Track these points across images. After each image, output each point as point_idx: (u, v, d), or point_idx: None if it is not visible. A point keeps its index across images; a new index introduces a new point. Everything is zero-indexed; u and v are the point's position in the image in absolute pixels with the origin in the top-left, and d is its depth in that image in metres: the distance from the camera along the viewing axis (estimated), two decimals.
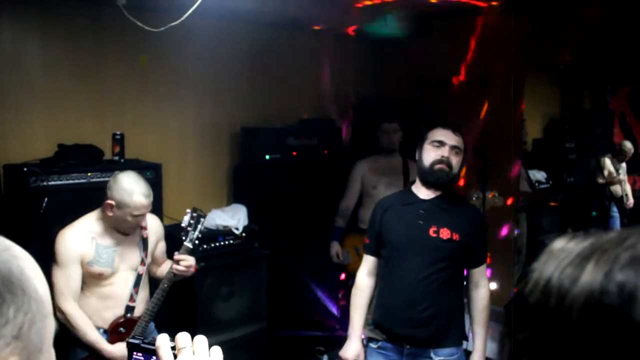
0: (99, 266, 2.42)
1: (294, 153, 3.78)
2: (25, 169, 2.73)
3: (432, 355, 2.36)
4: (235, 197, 3.87)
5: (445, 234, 2.33)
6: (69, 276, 2.37)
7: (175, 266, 2.47)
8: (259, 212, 3.56)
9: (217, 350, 0.92)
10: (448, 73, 4.21)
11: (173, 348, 0.91)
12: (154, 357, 0.93)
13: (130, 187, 2.35)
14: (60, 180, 2.81)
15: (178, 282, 3.12)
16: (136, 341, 0.97)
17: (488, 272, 3.99)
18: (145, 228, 2.57)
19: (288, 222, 3.70)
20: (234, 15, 3.56)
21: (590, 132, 5.49)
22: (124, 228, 2.45)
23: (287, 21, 3.82)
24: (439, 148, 2.37)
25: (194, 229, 2.53)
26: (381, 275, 2.49)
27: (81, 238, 2.39)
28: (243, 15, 3.50)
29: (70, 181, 2.84)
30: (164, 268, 2.65)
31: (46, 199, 2.73)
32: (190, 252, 2.51)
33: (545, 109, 6.10)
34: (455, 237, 2.33)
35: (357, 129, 4.34)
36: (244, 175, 3.79)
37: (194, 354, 0.90)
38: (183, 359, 0.89)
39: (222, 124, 3.86)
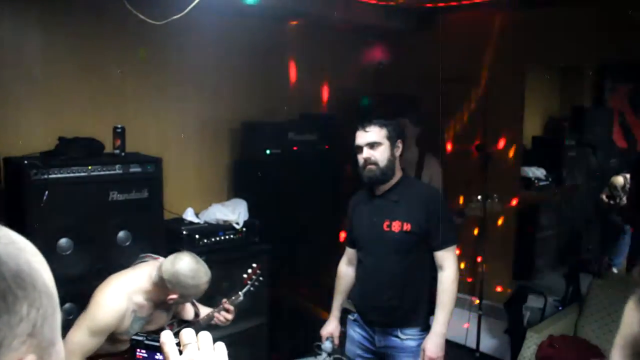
0: (128, 335, 2.26)
1: (295, 148, 3.78)
2: (25, 162, 2.70)
3: (399, 333, 2.54)
4: (236, 191, 3.87)
5: (396, 226, 2.45)
6: (91, 345, 2.23)
7: (217, 315, 2.49)
8: (259, 206, 3.56)
9: (221, 346, 0.92)
10: (449, 68, 4.20)
11: (178, 344, 0.90)
12: (158, 354, 0.93)
13: (190, 272, 2.24)
14: (61, 174, 2.78)
15: None
16: (140, 338, 0.96)
17: (485, 267, 4.03)
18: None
19: (289, 217, 3.69)
20: (236, 9, 3.54)
21: (590, 130, 5.49)
22: (161, 299, 2.31)
23: (289, 15, 3.81)
24: (359, 152, 2.50)
25: (252, 286, 2.62)
26: (358, 266, 2.71)
27: (124, 312, 2.24)
28: (244, 9, 3.48)
29: (71, 174, 2.82)
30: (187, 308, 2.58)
31: (47, 193, 2.69)
32: (237, 303, 2.55)
33: (545, 107, 6.10)
34: (407, 227, 2.43)
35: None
36: (245, 170, 3.79)
37: (199, 349, 0.89)
38: (188, 355, 0.88)
39: (222, 119, 3.86)
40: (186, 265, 2.24)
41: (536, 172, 5.45)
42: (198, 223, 3.41)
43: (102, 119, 3.22)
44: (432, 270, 2.53)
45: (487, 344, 3.98)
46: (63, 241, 2.81)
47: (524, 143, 4.87)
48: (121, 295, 2.25)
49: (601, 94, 6.13)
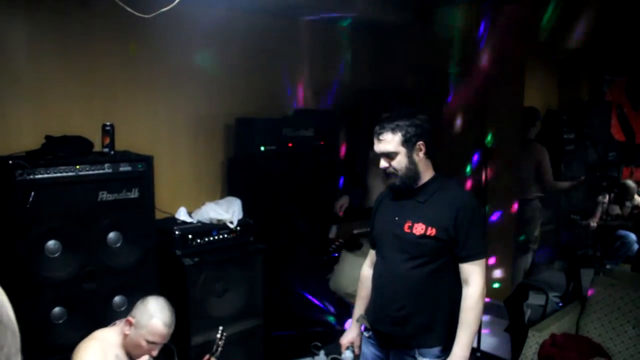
0: None
1: (290, 144, 3.71)
2: (10, 162, 2.62)
3: (416, 355, 2.30)
4: (230, 189, 3.81)
5: (418, 229, 2.24)
6: None
7: None
8: (254, 205, 3.49)
9: None
10: (447, 63, 4.13)
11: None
12: None
13: (153, 310, 2.33)
14: (48, 173, 2.70)
15: (170, 282, 3.16)
16: None
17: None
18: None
19: (284, 215, 3.62)
20: (228, 2, 3.46)
21: (588, 124, 5.44)
22: (134, 351, 2.35)
23: (284, 9, 3.72)
24: (377, 160, 2.35)
25: (221, 345, 2.65)
26: (373, 271, 2.51)
27: (104, 357, 2.27)
28: (237, 2, 3.40)
29: (58, 174, 2.73)
30: None
31: (33, 193, 2.62)
32: None
33: (543, 100, 6.05)
34: (431, 232, 2.22)
35: (354, 120, 4.26)
36: (239, 168, 3.72)
37: None
38: None
39: (216, 115, 3.79)
40: (154, 298, 2.37)
41: None
42: (191, 223, 3.34)
43: (91, 117, 3.15)
44: (457, 284, 2.28)
45: (488, 342, 3.92)
46: (51, 243, 2.74)
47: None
48: (93, 345, 2.29)
49: (599, 87, 6.09)
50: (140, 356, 2.33)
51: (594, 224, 5.66)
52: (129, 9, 2.66)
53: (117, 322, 2.43)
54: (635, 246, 5.48)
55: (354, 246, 3.77)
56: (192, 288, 3.11)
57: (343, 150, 4.13)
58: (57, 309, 2.73)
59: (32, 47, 3.04)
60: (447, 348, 2.27)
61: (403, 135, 2.24)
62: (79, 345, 2.29)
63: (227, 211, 3.37)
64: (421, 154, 2.28)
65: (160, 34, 3.36)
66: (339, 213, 3.90)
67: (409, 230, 2.26)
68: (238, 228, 3.37)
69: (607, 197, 5.39)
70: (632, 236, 5.55)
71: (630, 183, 5.91)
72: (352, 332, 2.59)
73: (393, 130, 2.25)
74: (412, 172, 2.28)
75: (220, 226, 3.33)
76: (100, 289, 2.86)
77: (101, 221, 2.88)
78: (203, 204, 3.46)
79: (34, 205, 2.62)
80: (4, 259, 2.66)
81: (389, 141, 2.25)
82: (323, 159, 3.87)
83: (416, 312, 2.28)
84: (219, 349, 2.63)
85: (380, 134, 2.27)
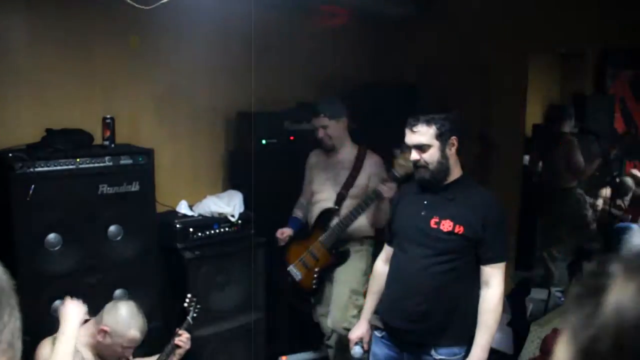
0: None
1: (291, 138, 3.70)
2: (10, 155, 2.62)
3: (432, 352, 2.27)
4: (231, 183, 3.79)
5: (446, 225, 2.21)
6: None
7: (178, 339, 2.56)
8: (255, 198, 3.46)
9: None
10: (448, 56, 4.10)
11: None
12: None
13: (129, 320, 2.34)
14: (48, 167, 2.69)
15: (171, 275, 3.17)
16: None
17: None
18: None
19: (285, 209, 3.60)
20: None
21: (591, 117, 5.40)
22: (109, 356, 2.39)
23: (287, 1, 3.69)
24: (410, 151, 2.30)
25: (193, 311, 2.70)
26: (389, 265, 2.46)
27: None
28: None
29: (58, 167, 2.73)
30: None
31: (33, 187, 2.61)
32: (189, 328, 2.65)
33: (545, 94, 6.01)
34: (459, 229, 2.19)
35: (355, 114, 4.18)
36: (240, 161, 3.68)
37: None
38: None
39: (217, 108, 3.76)
40: (124, 305, 2.38)
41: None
42: (192, 216, 3.31)
43: (91, 110, 3.12)
44: (475, 286, 2.26)
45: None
46: (51, 237, 2.73)
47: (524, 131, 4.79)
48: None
49: (602, 80, 6.04)
50: (114, 357, 2.39)
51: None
52: (129, 0, 2.63)
53: (89, 320, 2.41)
54: (637, 238, 5.46)
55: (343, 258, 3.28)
56: (193, 281, 3.10)
57: None
58: (57, 302, 2.70)
59: (32, 39, 3.01)
60: (464, 348, 2.25)
61: (438, 129, 2.21)
62: (40, 342, 2.29)
63: (229, 204, 3.35)
64: (453, 149, 2.26)
65: (160, 26, 3.33)
66: (280, 241, 3.36)
67: (435, 226, 2.23)
68: (239, 221, 3.35)
69: (609, 191, 5.37)
70: (634, 227, 5.53)
71: (629, 180, 5.87)
72: (361, 326, 2.55)
73: (428, 123, 2.21)
74: (443, 166, 2.25)
75: (222, 219, 3.31)
76: (101, 283, 2.86)
77: (102, 214, 2.87)
78: (204, 197, 3.44)
79: (34, 199, 2.61)
80: (3, 252, 2.63)
81: (423, 133, 2.21)
82: None
83: (434, 309, 2.25)
84: (191, 317, 2.67)
85: (414, 125, 2.23)
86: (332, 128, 3.21)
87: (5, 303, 0.62)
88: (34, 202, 2.61)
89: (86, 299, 2.43)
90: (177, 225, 3.17)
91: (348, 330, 2.79)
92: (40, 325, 2.62)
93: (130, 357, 2.43)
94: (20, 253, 2.61)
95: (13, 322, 0.63)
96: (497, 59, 3.96)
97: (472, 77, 4.04)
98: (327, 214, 3.24)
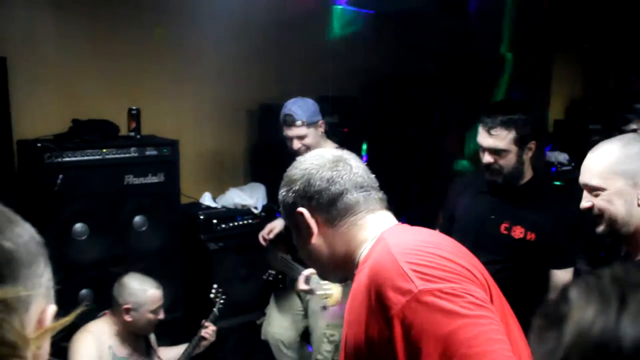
0: None
1: None
2: (39, 145, 2.65)
3: None
4: (254, 175, 3.79)
5: (518, 232, 2.08)
6: None
7: (204, 331, 2.57)
8: (277, 191, 3.45)
9: None
10: (474, 49, 4.05)
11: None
12: None
13: (141, 285, 2.40)
14: (75, 157, 2.72)
15: (195, 266, 3.17)
16: None
17: None
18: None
19: None
20: None
21: (615, 114, 5.32)
22: (145, 328, 2.45)
23: None
24: (482, 152, 2.11)
25: (220, 300, 2.72)
26: None
27: (100, 349, 2.34)
28: None
29: (85, 157, 2.75)
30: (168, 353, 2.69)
31: (61, 176, 2.64)
32: (215, 320, 2.66)
33: (568, 90, 5.94)
34: (530, 236, 2.06)
35: (378, 107, 4.20)
36: (262, 154, 3.69)
37: None
38: None
39: (240, 100, 3.75)
40: (129, 277, 2.43)
41: (559, 157, 5.31)
42: (215, 208, 3.33)
43: (117, 101, 3.14)
44: (537, 292, 2.13)
45: None
46: (78, 226, 2.76)
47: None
48: (92, 333, 2.35)
49: (627, 76, 5.95)
50: (152, 326, 2.45)
51: None
52: None
53: (107, 312, 2.46)
54: None
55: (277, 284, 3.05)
56: (216, 273, 3.11)
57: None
58: (84, 291, 2.77)
59: (59, 32, 3.03)
60: None
61: (518, 133, 2.03)
62: (72, 338, 2.32)
63: (251, 197, 3.36)
64: (530, 154, 2.11)
65: (185, 18, 3.34)
66: (264, 241, 2.97)
67: (506, 232, 2.10)
68: (262, 214, 3.35)
69: None
70: None
71: None
72: None
73: (507, 126, 2.02)
74: (518, 171, 2.10)
75: (245, 211, 3.32)
76: (126, 272, 2.83)
77: (127, 205, 2.89)
78: (227, 189, 3.45)
79: (61, 188, 2.63)
80: None
81: (501, 138, 2.03)
82: (347, 147, 3.81)
83: None
84: (217, 309, 2.68)
85: (491, 127, 2.03)
86: (311, 137, 2.73)
87: (40, 253, 0.69)
88: (61, 192, 2.63)
89: (111, 289, 2.48)
90: (201, 217, 3.18)
91: None
92: (67, 314, 2.65)
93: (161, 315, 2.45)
94: (48, 242, 2.61)
95: (48, 271, 0.70)
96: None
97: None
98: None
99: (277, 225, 2.96)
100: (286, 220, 1.30)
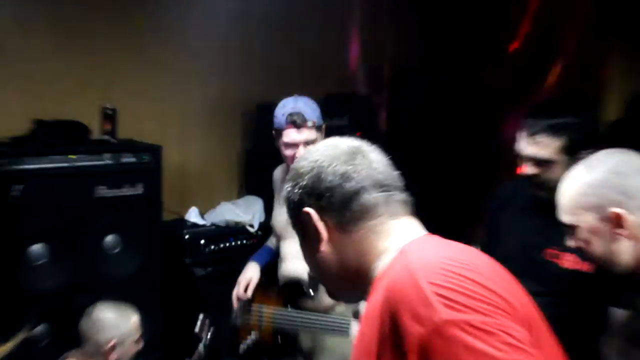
0: None
1: None
2: None
3: None
4: (249, 187, 3.62)
5: (569, 261, 1.82)
6: None
7: None
8: None
9: None
10: (504, 41, 3.83)
11: None
12: None
13: (121, 314, 2.27)
14: (37, 164, 2.55)
15: (178, 296, 2.99)
16: None
17: None
18: None
19: None
20: None
21: None
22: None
23: None
24: (521, 161, 1.88)
25: (207, 334, 2.43)
26: None
27: None
28: None
29: (49, 164, 2.59)
30: None
31: (18, 187, 2.47)
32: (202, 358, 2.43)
33: (628, 85, 5.74)
34: (584, 266, 1.79)
35: (394, 107, 4.01)
36: (260, 161, 3.45)
37: None
38: None
39: (233, 100, 3.58)
40: (102, 310, 2.27)
41: None
42: (203, 225, 3.18)
43: (89, 99, 3.00)
44: (597, 331, 1.84)
45: None
46: (36, 247, 2.58)
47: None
48: None
49: None
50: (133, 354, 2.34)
51: None
52: None
53: (70, 356, 2.24)
54: None
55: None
56: (204, 303, 2.89)
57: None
58: (40, 327, 2.58)
59: (21, 22, 2.89)
60: None
61: (567, 141, 1.78)
62: None
63: (246, 212, 3.22)
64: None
65: (169, 8, 3.22)
66: (238, 297, 2.38)
67: (551, 259, 1.86)
68: (259, 232, 3.19)
69: None
70: None
71: None
72: None
73: (554, 132, 1.79)
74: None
75: (238, 230, 3.17)
76: (94, 304, 2.58)
77: (98, 222, 2.74)
78: (218, 203, 3.33)
79: (18, 201, 2.48)
80: None
81: (545, 145, 1.79)
82: None
83: None
84: (204, 345, 2.44)
85: (534, 134, 1.80)
86: (319, 141, 2.04)
87: None
88: (17, 205, 2.47)
89: (75, 323, 2.27)
90: (186, 236, 3.06)
91: None
92: (17, 353, 2.36)
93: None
94: None
95: None
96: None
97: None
98: (293, 293, 2.28)
99: (253, 275, 2.39)
100: (290, 223, 1.15)
